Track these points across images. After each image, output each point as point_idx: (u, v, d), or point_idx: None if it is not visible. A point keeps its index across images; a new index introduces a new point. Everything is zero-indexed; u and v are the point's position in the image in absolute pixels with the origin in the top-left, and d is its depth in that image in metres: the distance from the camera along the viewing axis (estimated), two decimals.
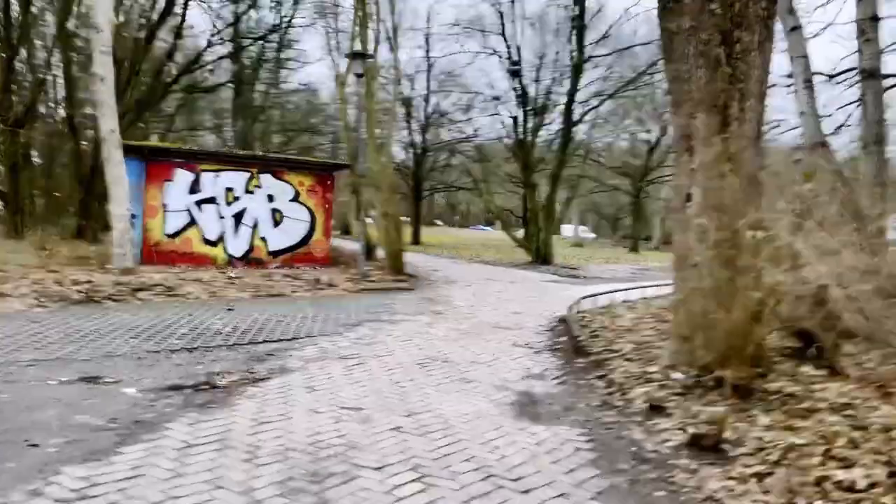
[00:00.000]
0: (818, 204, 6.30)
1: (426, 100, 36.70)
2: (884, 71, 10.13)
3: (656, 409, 4.92)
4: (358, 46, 15.77)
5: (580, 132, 27.52)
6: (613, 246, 60.31)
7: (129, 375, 5.43)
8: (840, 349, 5.65)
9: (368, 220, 15.35)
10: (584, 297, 10.83)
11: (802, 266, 5.53)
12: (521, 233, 34.89)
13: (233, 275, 12.08)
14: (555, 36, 23.57)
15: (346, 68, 14.00)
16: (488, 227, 72.96)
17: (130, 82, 18.77)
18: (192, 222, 14.37)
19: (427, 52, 33.88)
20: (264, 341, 7.16)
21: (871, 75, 9.78)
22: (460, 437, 4.22)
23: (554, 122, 25.92)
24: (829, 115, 11.89)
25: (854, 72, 10.88)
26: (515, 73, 22.71)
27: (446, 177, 51.48)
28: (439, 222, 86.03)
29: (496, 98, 26.13)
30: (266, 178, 14.96)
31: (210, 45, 22.65)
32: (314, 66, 74.28)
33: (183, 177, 14.25)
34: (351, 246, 19.94)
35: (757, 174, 5.79)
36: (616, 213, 66.99)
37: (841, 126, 11.81)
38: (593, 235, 69.09)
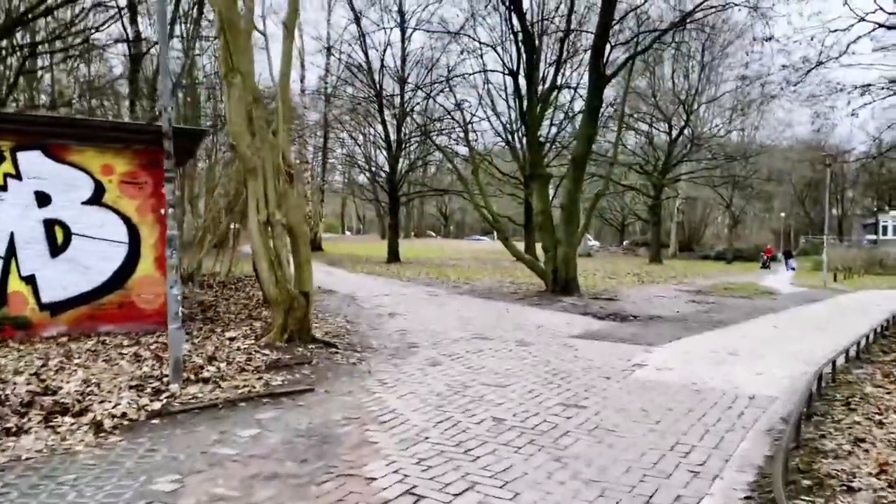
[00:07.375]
0: None
1: (401, 81, 29.48)
2: None
3: None
4: None
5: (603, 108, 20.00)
6: (624, 255, 52.67)
7: None
8: None
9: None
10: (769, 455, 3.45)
11: None
12: (521, 245, 27.70)
13: None
14: None
15: None
16: (484, 238, 65.73)
17: None
18: None
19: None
20: None
21: None
22: None
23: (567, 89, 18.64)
24: None
25: None
26: (516, 9, 15.28)
27: (436, 182, 44.11)
28: (432, 233, 78.44)
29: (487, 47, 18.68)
30: (32, 160, 7.58)
31: None
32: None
33: None
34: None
35: None
36: (624, 217, 59.56)
37: None
38: (597, 244, 61.81)
